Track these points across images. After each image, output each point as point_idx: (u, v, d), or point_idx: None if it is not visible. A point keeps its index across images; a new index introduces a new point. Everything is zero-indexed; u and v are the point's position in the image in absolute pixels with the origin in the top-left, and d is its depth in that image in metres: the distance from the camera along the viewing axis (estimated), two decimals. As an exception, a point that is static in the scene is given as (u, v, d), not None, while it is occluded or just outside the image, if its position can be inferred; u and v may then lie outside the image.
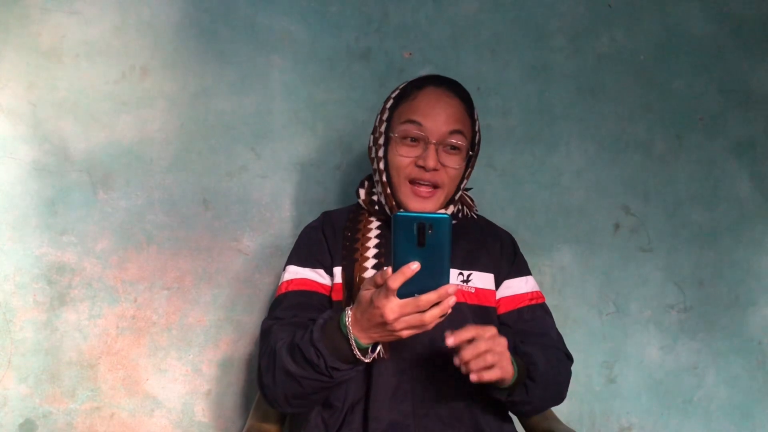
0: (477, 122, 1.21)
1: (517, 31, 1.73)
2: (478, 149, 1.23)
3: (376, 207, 1.21)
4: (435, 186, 1.15)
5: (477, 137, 1.22)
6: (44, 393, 1.44)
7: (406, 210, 1.15)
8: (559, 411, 1.36)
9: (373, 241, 1.16)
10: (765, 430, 1.82)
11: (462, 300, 1.15)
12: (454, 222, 1.20)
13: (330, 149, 1.61)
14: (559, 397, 1.19)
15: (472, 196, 1.31)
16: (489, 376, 0.96)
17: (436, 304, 0.88)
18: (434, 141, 1.13)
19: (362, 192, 1.25)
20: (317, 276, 1.18)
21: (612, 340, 1.74)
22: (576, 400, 1.70)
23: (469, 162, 1.21)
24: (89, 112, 1.47)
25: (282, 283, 1.19)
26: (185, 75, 1.53)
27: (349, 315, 0.94)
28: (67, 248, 1.45)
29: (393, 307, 0.87)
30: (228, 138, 1.55)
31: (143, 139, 1.50)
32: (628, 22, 1.79)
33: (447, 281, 0.88)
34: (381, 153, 1.18)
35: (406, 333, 0.91)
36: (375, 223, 1.20)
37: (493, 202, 1.69)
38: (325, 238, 1.21)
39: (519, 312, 1.21)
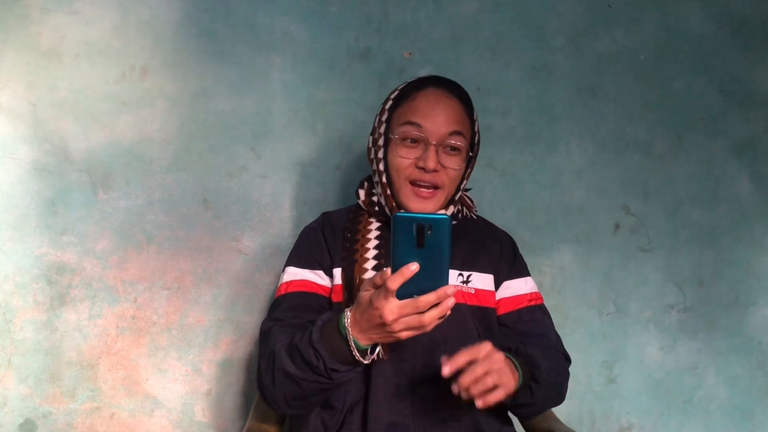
0: (476, 123, 1.21)
1: (517, 31, 1.72)
2: (478, 150, 1.23)
3: (376, 208, 1.21)
4: (435, 187, 1.15)
5: (476, 138, 1.22)
6: (44, 393, 1.44)
7: (407, 210, 1.15)
8: (559, 411, 1.36)
9: (373, 242, 1.16)
10: (765, 430, 1.82)
11: (462, 301, 1.15)
12: (454, 222, 1.20)
13: (330, 149, 1.61)
14: (560, 398, 1.19)
15: (471, 197, 1.31)
16: (493, 398, 0.95)
17: (436, 305, 0.88)
18: (434, 142, 1.13)
19: (362, 193, 1.24)
20: (316, 277, 1.18)
21: (612, 340, 1.75)
22: (576, 400, 1.70)
23: (469, 163, 1.21)
24: (89, 112, 1.47)
25: (281, 284, 1.18)
26: (185, 75, 1.53)
27: (348, 316, 0.94)
28: (67, 248, 1.45)
29: (392, 308, 0.87)
30: (228, 138, 1.55)
31: (143, 139, 1.50)
32: (628, 22, 1.79)
33: (446, 282, 0.88)
34: (381, 154, 1.18)
35: (405, 334, 0.91)
36: (375, 224, 1.20)
37: (493, 202, 1.69)
38: (324, 239, 1.20)
39: (518, 313, 1.21)
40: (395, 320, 0.88)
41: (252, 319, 1.55)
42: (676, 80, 1.81)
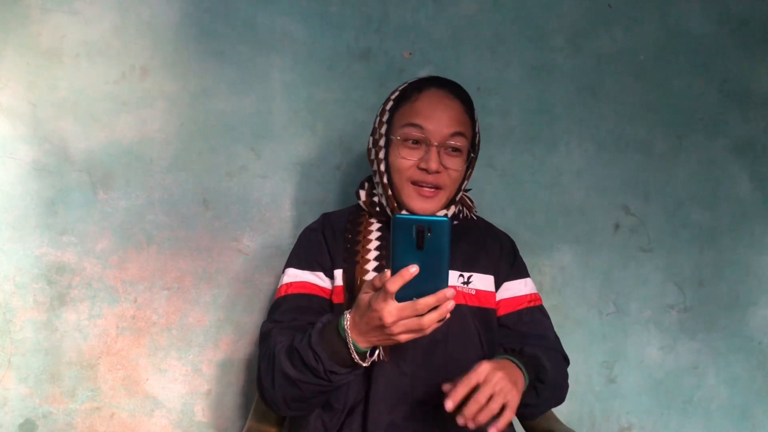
0: (477, 123, 1.21)
1: (517, 31, 1.72)
2: (478, 150, 1.23)
3: (377, 208, 1.21)
4: (437, 187, 1.15)
5: (477, 138, 1.22)
6: (44, 393, 1.44)
7: (408, 211, 1.15)
8: (559, 411, 1.36)
9: (374, 243, 1.16)
10: (765, 430, 1.83)
11: (462, 302, 1.15)
12: (454, 223, 1.20)
13: (330, 149, 1.61)
14: (561, 399, 1.19)
15: (471, 197, 1.31)
16: (504, 420, 0.93)
17: (435, 308, 0.87)
18: (436, 143, 1.12)
19: (363, 193, 1.24)
20: (317, 279, 1.17)
21: (612, 340, 1.75)
22: (576, 400, 1.70)
23: (470, 163, 1.21)
24: (89, 112, 1.47)
25: (281, 285, 1.18)
26: (185, 75, 1.53)
27: (347, 318, 0.94)
28: (67, 248, 1.45)
29: (391, 311, 0.87)
30: (228, 138, 1.55)
31: (143, 139, 1.50)
32: (628, 22, 1.79)
33: (446, 285, 0.87)
34: (382, 155, 1.18)
35: (404, 337, 0.90)
36: (376, 225, 1.20)
37: (493, 202, 1.69)
38: (325, 240, 1.20)
39: (518, 314, 1.21)
40: (394, 323, 0.88)
41: (252, 320, 1.55)
42: (676, 80, 1.81)
